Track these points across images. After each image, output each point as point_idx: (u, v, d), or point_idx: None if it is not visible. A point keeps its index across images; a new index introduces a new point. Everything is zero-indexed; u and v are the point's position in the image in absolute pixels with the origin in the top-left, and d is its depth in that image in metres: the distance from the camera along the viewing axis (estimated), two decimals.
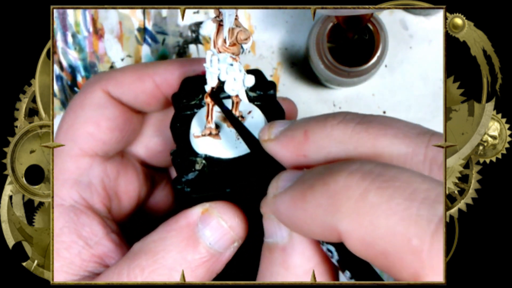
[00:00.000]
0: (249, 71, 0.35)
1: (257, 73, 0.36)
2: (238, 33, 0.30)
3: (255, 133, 0.31)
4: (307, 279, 0.26)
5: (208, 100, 0.32)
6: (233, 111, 0.33)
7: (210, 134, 0.33)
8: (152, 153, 0.42)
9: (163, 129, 0.41)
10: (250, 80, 0.32)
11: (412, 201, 0.21)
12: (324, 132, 0.25)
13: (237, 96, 0.32)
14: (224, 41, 0.30)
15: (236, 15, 0.30)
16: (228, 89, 0.31)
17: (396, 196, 0.21)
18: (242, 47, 0.31)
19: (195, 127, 0.33)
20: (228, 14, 0.29)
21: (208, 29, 0.30)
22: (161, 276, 0.30)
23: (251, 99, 0.35)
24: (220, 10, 0.30)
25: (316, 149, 0.26)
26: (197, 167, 0.32)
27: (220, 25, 0.30)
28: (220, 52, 0.31)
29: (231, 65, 0.31)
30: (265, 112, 0.34)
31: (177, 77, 0.38)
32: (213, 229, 0.30)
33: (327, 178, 0.23)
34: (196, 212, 0.31)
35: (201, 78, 0.36)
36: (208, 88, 0.32)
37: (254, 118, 0.34)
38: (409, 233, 0.20)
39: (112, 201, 0.39)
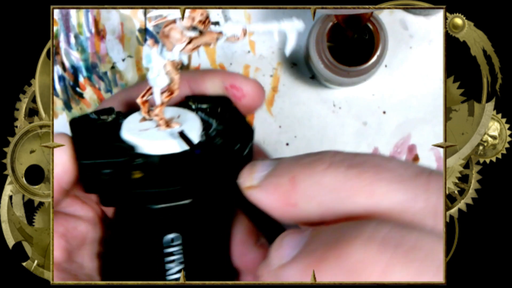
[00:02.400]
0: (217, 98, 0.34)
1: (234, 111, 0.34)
2: (172, 28, 0.28)
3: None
4: None
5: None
6: (155, 108, 0.32)
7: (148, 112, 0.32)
8: None
9: None
10: (162, 81, 0.30)
11: (441, 273, 0.19)
12: (313, 179, 0.23)
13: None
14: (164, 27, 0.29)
15: (189, 19, 0.28)
16: (148, 76, 0.30)
17: (424, 271, 0.19)
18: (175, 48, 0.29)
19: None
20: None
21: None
22: None
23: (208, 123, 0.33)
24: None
25: (306, 198, 0.23)
26: (103, 117, 0.32)
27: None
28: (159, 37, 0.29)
29: (149, 49, 0.30)
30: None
31: (207, 83, 0.36)
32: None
33: (339, 248, 0.21)
34: None
35: None
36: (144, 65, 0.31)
37: (177, 128, 0.31)
38: None
39: None
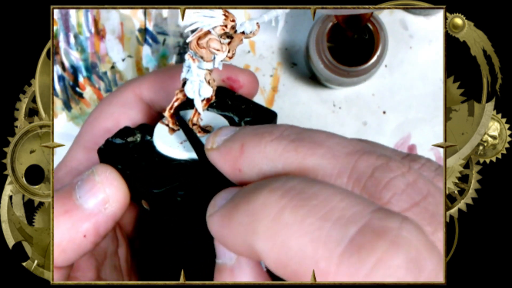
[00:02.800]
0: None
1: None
2: (210, 39, 0.29)
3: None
4: None
5: (176, 91, 0.32)
6: (192, 118, 0.32)
7: (168, 125, 0.32)
8: None
9: None
10: (207, 91, 0.31)
11: (325, 221, 0.20)
12: (258, 148, 0.25)
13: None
14: (199, 39, 0.29)
15: (222, 27, 0.29)
16: (187, 89, 0.31)
17: (310, 215, 0.20)
18: (214, 58, 0.29)
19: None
20: (209, 16, 0.29)
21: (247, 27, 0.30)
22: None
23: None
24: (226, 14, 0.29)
25: (249, 165, 0.25)
26: (130, 139, 0.32)
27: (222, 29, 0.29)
28: (190, 48, 0.29)
29: (189, 66, 0.30)
30: None
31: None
32: (84, 181, 0.30)
33: (250, 195, 0.22)
34: (85, 173, 0.31)
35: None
36: (181, 78, 0.31)
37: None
38: (317, 255, 0.19)
39: None
